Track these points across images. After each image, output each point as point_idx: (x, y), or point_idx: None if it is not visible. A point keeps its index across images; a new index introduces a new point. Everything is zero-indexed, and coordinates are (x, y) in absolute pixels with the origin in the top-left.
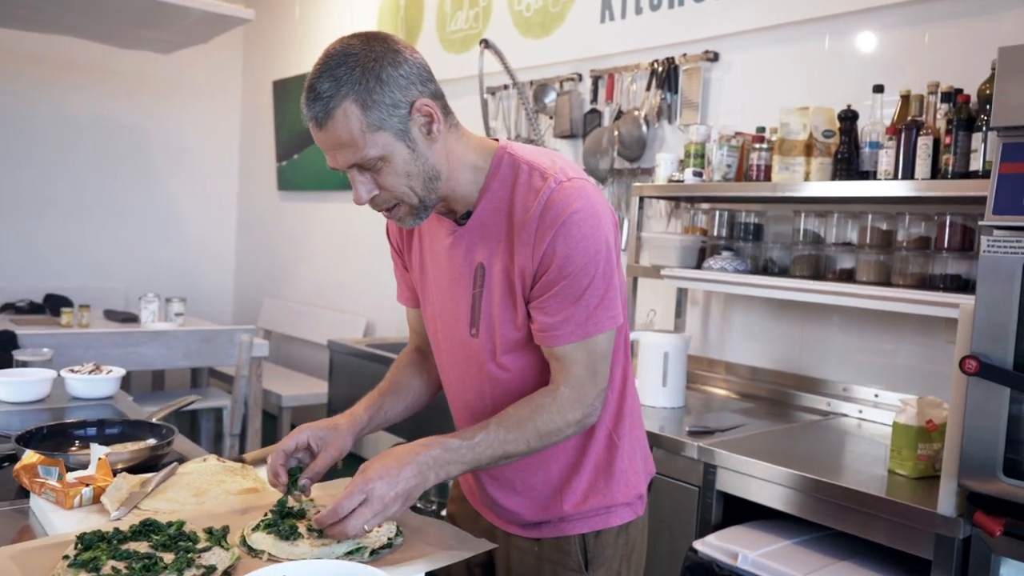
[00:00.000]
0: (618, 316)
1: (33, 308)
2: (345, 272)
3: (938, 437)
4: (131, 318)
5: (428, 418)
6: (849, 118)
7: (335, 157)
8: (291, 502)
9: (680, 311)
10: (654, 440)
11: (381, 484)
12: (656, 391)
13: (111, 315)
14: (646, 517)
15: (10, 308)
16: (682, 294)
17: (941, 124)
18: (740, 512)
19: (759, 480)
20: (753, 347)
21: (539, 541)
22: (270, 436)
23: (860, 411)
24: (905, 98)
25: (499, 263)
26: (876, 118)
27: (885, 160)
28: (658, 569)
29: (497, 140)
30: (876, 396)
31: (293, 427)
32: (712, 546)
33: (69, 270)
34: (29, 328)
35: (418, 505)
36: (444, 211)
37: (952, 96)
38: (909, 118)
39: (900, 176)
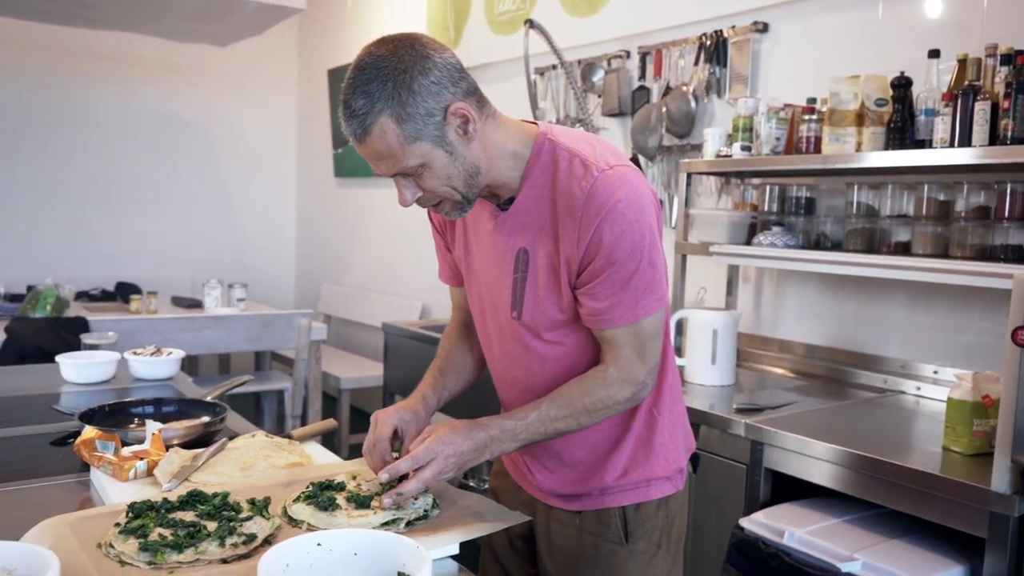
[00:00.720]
0: (664, 297)
1: (105, 296)
2: (400, 257)
3: (995, 413)
4: (196, 304)
5: (474, 395)
6: (903, 85)
7: (378, 167)
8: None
9: (731, 288)
10: (702, 418)
11: (447, 448)
12: (705, 369)
13: (177, 301)
14: (687, 492)
15: (84, 296)
16: (733, 271)
17: (1000, 88)
18: (788, 490)
19: (807, 457)
20: (807, 324)
21: (580, 513)
22: (330, 417)
23: (918, 388)
24: (962, 62)
25: (543, 249)
26: (932, 84)
27: (941, 127)
28: (705, 546)
29: (536, 124)
30: (935, 372)
31: (353, 408)
32: (759, 523)
33: (139, 260)
34: (100, 315)
35: (471, 484)
36: (487, 195)
37: (1011, 58)
38: (966, 83)
39: (957, 144)
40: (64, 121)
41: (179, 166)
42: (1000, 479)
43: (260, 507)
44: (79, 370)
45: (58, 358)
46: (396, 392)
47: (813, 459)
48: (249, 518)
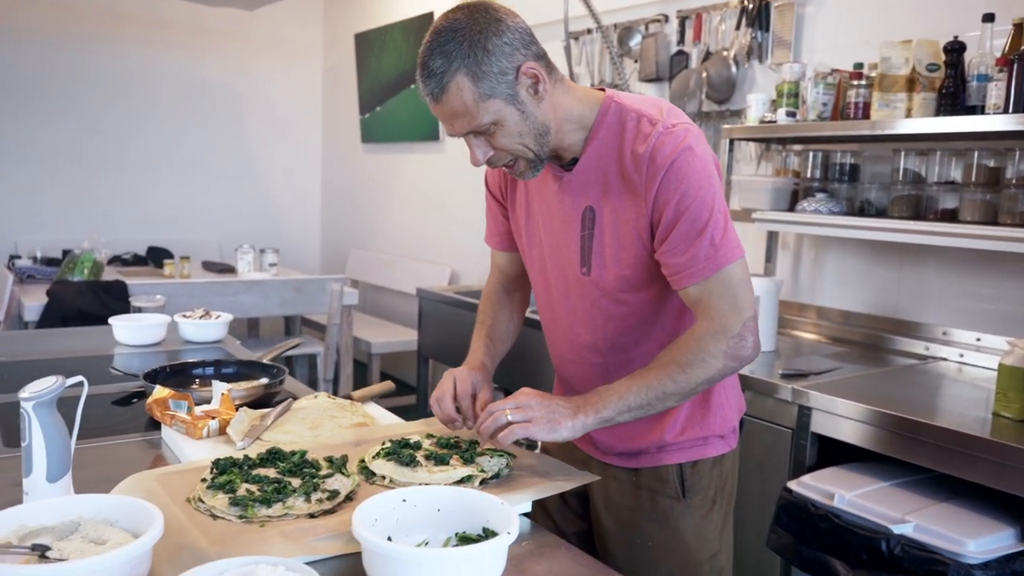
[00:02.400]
0: (741, 247)
1: (137, 260)
2: (428, 222)
3: None
4: (228, 269)
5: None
6: (956, 50)
7: (452, 126)
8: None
9: (770, 255)
10: (745, 383)
11: (534, 395)
12: None
13: (208, 266)
14: (738, 452)
15: (116, 260)
16: (772, 238)
17: None
18: (834, 454)
19: (854, 422)
20: (846, 291)
21: (636, 471)
22: (360, 381)
23: (961, 355)
24: (1018, 26)
25: (609, 206)
26: (986, 49)
27: (995, 93)
28: (749, 508)
29: (603, 90)
30: (978, 340)
31: (383, 373)
32: (808, 486)
33: (168, 224)
34: (137, 279)
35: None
36: (552, 157)
37: None
38: (1022, 48)
39: (1011, 110)
40: (91, 85)
41: (205, 130)
42: None
43: (339, 465)
44: (132, 332)
45: (112, 320)
46: (430, 356)
47: (861, 423)
48: (330, 475)
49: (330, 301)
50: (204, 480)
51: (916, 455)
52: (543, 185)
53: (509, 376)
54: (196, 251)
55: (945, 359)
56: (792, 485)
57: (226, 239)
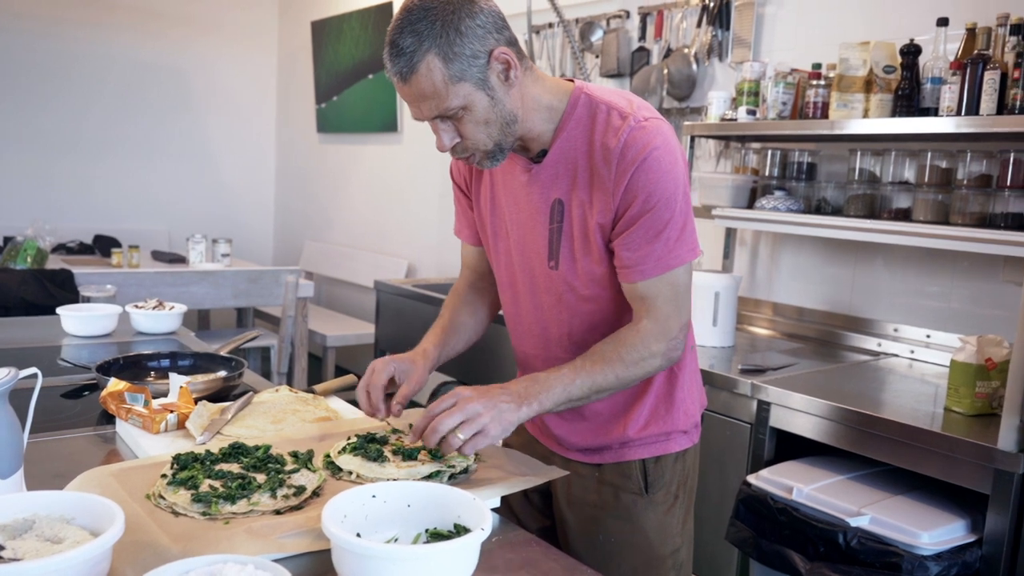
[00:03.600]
0: (696, 248)
1: (83, 248)
2: (385, 214)
3: (996, 375)
4: (178, 259)
5: (478, 360)
6: (912, 53)
7: (419, 108)
8: (387, 426)
9: (728, 252)
10: (705, 378)
11: (472, 394)
12: (707, 330)
13: (158, 256)
14: (699, 446)
15: (61, 248)
16: (730, 235)
17: (1009, 58)
18: (792, 448)
19: (813, 416)
20: (801, 288)
21: (599, 466)
22: (315, 374)
23: (912, 352)
24: (971, 31)
25: (577, 199)
26: (939, 53)
27: (948, 96)
28: (708, 502)
29: (572, 81)
30: (928, 337)
31: (338, 367)
32: (767, 480)
33: (114, 211)
34: (84, 268)
35: None
36: (518, 149)
37: (1022, 28)
38: (975, 52)
39: (964, 112)
40: (37, 67)
41: (156, 116)
42: (1007, 437)
43: (304, 460)
44: (82, 322)
45: (60, 310)
46: (387, 350)
47: (819, 418)
48: (296, 470)
49: (285, 293)
50: (164, 476)
51: (871, 449)
52: (510, 177)
53: (471, 370)
54: (145, 240)
55: (897, 355)
56: (751, 479)
57: (176, 229)
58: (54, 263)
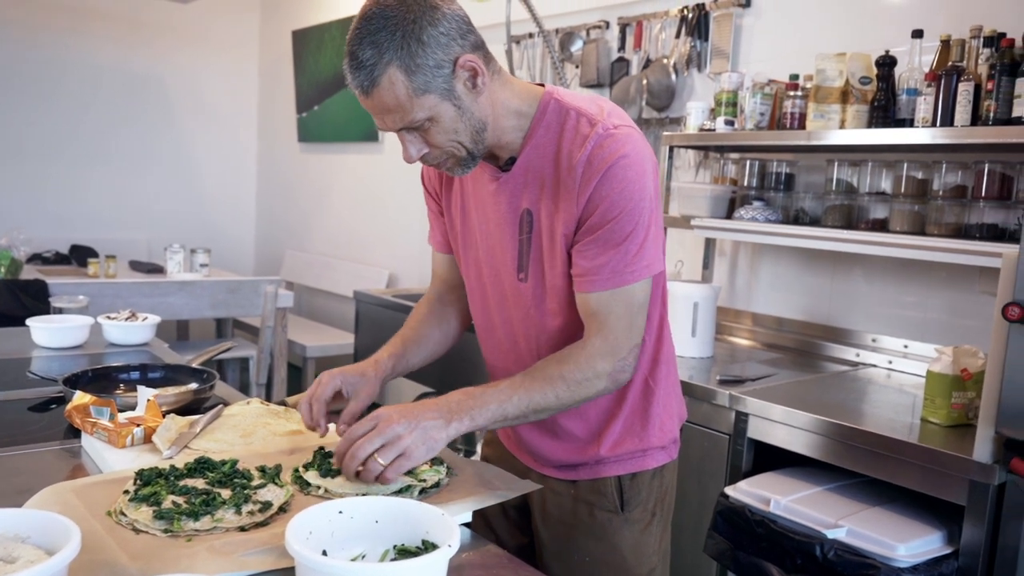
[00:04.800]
0: (654, 264)
1: (59, 258)
2: (367, 224)
3: (972, 386)
4: (156, 269)
5: (456, 369)
6: (887, 64)
7: (383, 120)
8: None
9: (708, 262)
10: (685, 389)
11: (395, 415)
12: (686, 341)
13: (136, 266)
14: (677, 460)
15: (37, 259)
16: (710, 245)
17: (983, 70)
18: (770, 459)
19: (791, 428)
20: (780, 298)
21: (575, 483)
22: (295, 386)
23: (889, 362)
24: (945, 43)
25: (545, 208)
26: (915, 64)
27: (923, 107)
28: (687, 514)
29: (542, 85)
30: (906, 347)
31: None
32: (744, 492)
33: (92, 221)
34: (58, 278)
35: (461, 448)
36: (487, 157)
37: (995, 40)
38: (949, 64)
39: (939, 123)
40: (14, 74)
41: (136, 125)
42: (982, 449)
43: (272, 475)
44: (52, 334)
45: (29, 322)
46: None
47: (796, 429)
48: (262, 486)
49: (264, 303)
50: (127, 492)
51: (848, 460)
52: (479, 185)
53: (451, 380)
54: (123, 250)
55: (875, 365)
56: (729, 490)
57: (155, 239)
58: (29, 273)
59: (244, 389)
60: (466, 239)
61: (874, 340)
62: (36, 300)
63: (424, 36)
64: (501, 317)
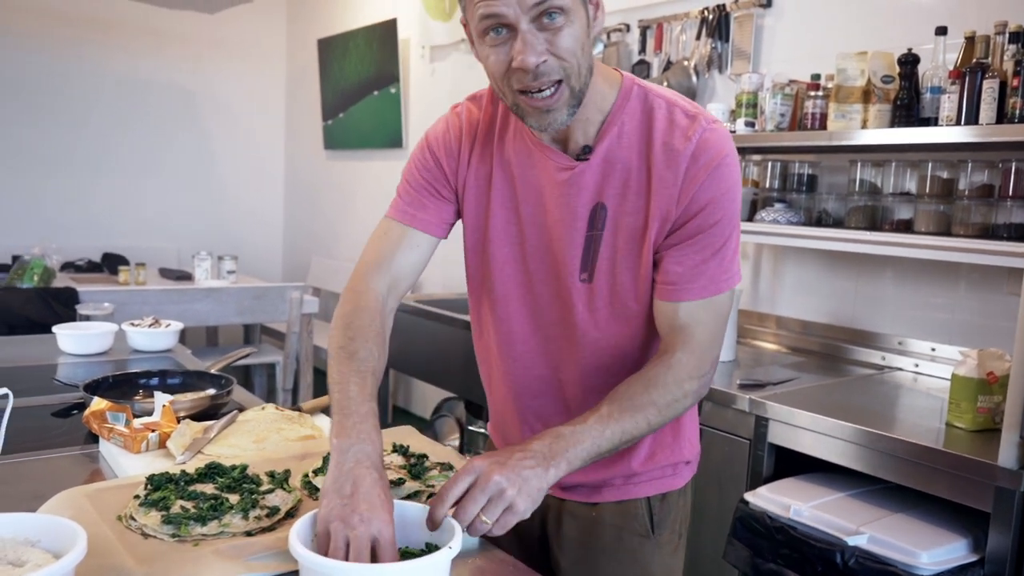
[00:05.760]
0: (738, 274)
1: (92, 267)
2: None
3: (998, 390)
4: (185, 276)
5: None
6: (910, 62)
7: (512, 4)
8: None
9: None
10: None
11: (494, 467)
12: None
13: (166, 273)
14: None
15: (70, 267)
16: None
17: (1008, 66)
18: (791, 465)
19: (812, 432)
20: (805, 301)
21: (596, 505)
22: (321, 390)
23: (916, 365)
24: (970, 40)
25: (629, 204)
26: (938, 62)
27: (948, 105)
28: (707, 521)
29: (617, 70)
30: (933, 350)
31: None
32: (764, 498)
33: (124, 230)
34: (89, 285)
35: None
36: (553, 141)
37: (1020, 36)
38: (974, 61)
39: (963, 122)
40: (48, 87)
41: (165, 135)
42: (1007, 454)
43: (280, 480)
44: (77, 341)
45: (55, 329)
46: (391, 367)
47: (818, 434)
48: (271, 491)
49: (289, 309)
50: (137, 497)
51: (871, 466)
52: (540, 173)
53: (476, 385)
54: (155, 258)
55: (901, 369)
56: (749, 496)
57: (186, 246)
58: (62, 281)
59: (271, 394)
60: (506, 233)
61: (900, 343)
62: (67, 307)
63: None
64: (549, 320)
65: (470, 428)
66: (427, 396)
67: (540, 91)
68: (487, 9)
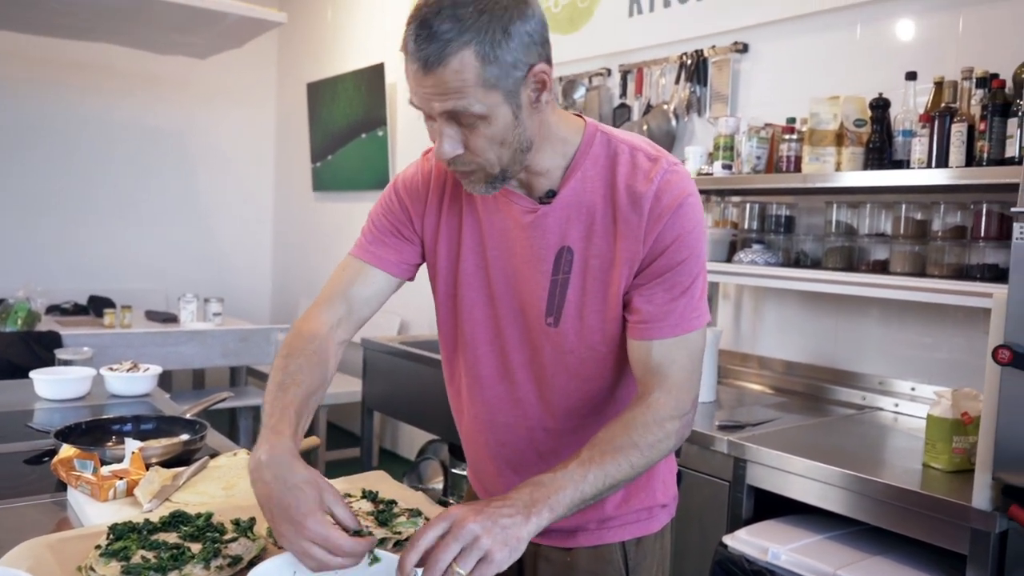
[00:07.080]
0: (707, 312)
1: (77, 310)
2: None
3: (973, 430)
4: (171, 318)
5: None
6: (881, 106)
7: (429, 102)
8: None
9: (711, 305)
10: None
11: (469, 514)
12: None
13: (152, 315)
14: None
15: (55, 310)
16: (713, 288)
17: (976, 110)
18: (771, 507)
19: (790, 475)
20: (786, 341)
21: (571, 551)
22: (307, 433)
23: (896, 405)
24: (939, 85)
25: (595, 247)
26: (909, 106)
27: (919, 148)
28: (688, 564)
29: (580, 116)
30: (913, 389)
31: (329, 424)
32: (742, 541)
33: (112, 273)
34: (73, 329)
35: (450, 501)
36: (519, 186)
37: (987, 81)
38: (943, 105)
39: (934, 164)
40: (37, 131)
41: (155, 178)
42: (981, 496)
43: (245, 528)
44: (53, 386)
45: (32, 374)
46: (375, 408)
47: (796, 476)
48: (234, 539)
49: (275, 351)
50: (98, 547)
51: (849, 508)
52: (504, 217)
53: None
54: (141, 301)
55: (881, 409)
56: (727, 539)
57: (173, 288)
58: (47, 324)
59: (256, 437)
60: (475, 277)
61: (881, 383)
62: (49, 351)
63: (511, 29)
64: (516, 363)
65: (454, 471)
66: (414, 438)
67: (461, 172)
68: (412, 98)
